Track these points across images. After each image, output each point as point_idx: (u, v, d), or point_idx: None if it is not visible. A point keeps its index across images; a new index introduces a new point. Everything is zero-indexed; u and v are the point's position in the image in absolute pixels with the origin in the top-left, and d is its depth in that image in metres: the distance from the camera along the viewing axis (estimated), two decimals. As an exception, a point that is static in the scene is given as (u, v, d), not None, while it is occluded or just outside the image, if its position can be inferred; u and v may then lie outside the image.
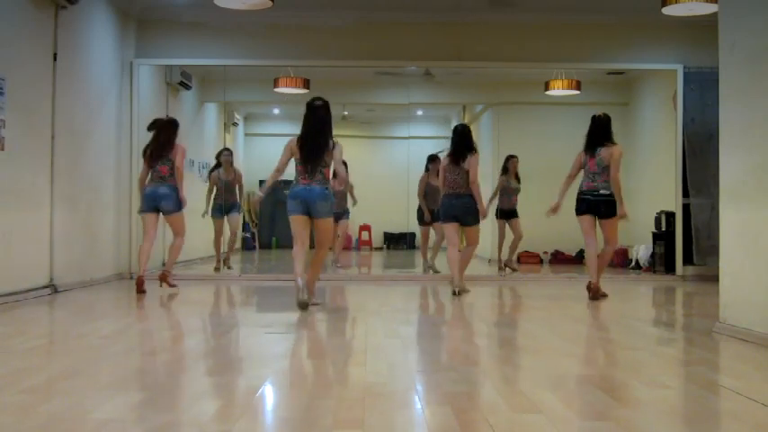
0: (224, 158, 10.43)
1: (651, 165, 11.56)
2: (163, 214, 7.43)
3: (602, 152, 7.05)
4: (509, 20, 9.79)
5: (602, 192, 7.03)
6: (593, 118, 7.28)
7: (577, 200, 7.16)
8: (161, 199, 7.33)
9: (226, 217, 10.48)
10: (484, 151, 12.03)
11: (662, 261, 10.16)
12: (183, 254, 10.43)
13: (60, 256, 7.48)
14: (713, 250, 9.51)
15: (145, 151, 7.49)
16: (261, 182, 14.51)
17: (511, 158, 10.71)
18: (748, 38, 4.87)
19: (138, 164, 9.42)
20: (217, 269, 10.46)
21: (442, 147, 14.92)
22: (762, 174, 4.66)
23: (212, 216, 10.47)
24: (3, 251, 6.46)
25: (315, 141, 6.13)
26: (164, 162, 7.34)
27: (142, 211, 7.45)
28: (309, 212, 6.13)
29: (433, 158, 10.56)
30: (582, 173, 7.23)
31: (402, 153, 14.29)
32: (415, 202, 10.73)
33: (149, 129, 7.52)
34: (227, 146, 11.59)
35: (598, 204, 7.04)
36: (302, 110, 6.32)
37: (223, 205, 10.42)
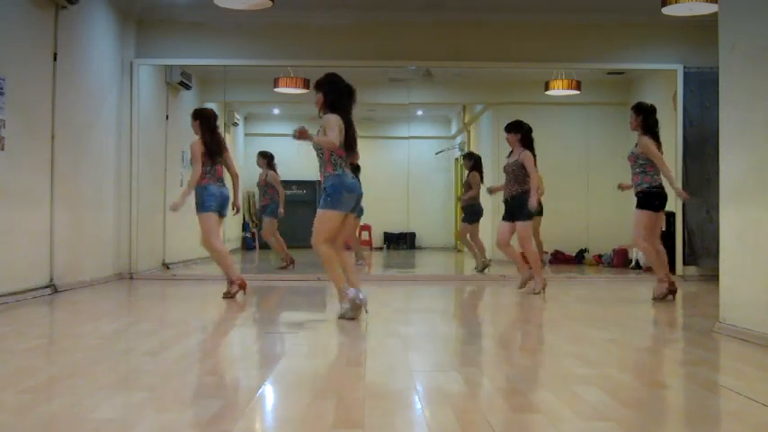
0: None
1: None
2: (220, 217, 6.89)
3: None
4: (509, 20, 9.79)
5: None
6: (649, 109, 7.20)
7: (659, 195, 7.02)
8: (226, 202, 6.89)
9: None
10: (483, 151, 12.05)
11: (662, 261, 10.16)
12: (184, 254, 10.48)
13: (60, 256, 7.48)
14: (706, 252, 9.55)
15: (206, 146, 6.79)
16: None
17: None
18: (748, 38, 4.87)
19: (138, 163, 9.46)
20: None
21: (443, 146, 14.87)
22: (762, 174, 4.66)
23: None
24: (3, 251, 6.46)
25: (352, 127, 5.66)
26: (219, 162, 6.90)
27: (212, 210, 6.73)
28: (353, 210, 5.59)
29: (472, 156, 10.70)
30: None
31: (402, 153, 14.26)
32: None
33: (195, 118, 6.93)
34: (228, 146, 11.71)
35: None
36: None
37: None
